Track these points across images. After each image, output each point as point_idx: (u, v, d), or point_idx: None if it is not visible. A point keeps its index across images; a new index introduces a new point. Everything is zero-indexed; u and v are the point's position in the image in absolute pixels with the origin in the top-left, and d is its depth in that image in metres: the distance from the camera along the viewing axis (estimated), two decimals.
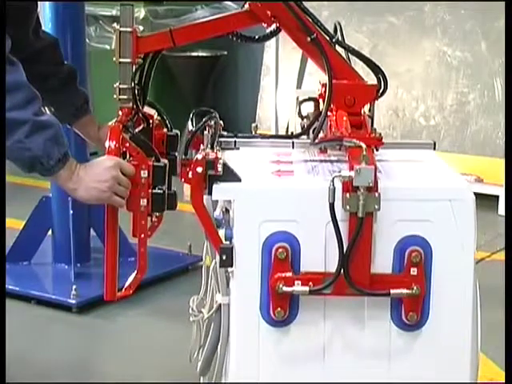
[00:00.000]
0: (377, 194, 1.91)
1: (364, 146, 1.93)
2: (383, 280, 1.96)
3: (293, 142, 2.22)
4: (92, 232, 4.00)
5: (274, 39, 2.35)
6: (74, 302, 3.60)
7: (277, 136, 2.41)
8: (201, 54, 6.08)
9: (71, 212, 3.83)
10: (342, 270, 1.93)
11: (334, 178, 1.90)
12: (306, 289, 1.95)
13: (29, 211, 3.96)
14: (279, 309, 1.98)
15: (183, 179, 2.02)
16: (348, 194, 1.91)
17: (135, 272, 2.15)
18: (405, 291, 1.95)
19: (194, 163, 1.98)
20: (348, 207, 1.91)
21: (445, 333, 2.01)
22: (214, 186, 1.99)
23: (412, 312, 1.98)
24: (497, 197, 5.01)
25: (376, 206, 1.92)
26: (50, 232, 3.97)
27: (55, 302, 3.63)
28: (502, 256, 4.30)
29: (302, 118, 2.29)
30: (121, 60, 2.09)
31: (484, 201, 4.85)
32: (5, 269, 2.23)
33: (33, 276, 3.93)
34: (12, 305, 3.20)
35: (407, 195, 1.98)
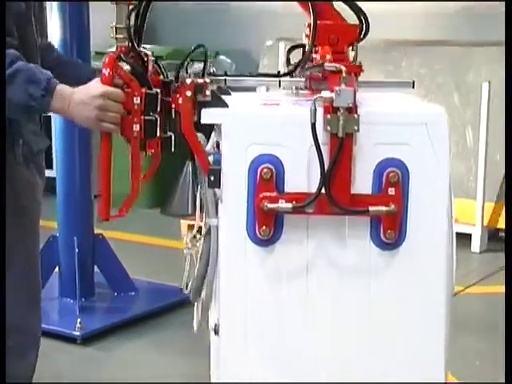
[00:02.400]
0: (356, 115, 1.90)
1: (344, 68, 1.92)
2: (363, 200, 1.95)
3: (279, 81, 2.18)
4: (96, 269, 3.97)
5: None
6: (78, 334, 3.60)
7: (265, 75, 2.34)
8: None
9: (77, 250, 3.82)
10: (323, 189, 1.92)
11: (315, 100, 1.89)
12: (290, 205, 1.93)
13: None
14: (264, 227, 1.96)
15: (174, 105, 2.02)
16: (329, 115, 1.90)
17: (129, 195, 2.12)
18: (383, 208, 1.93)
19: (183, 87, 1.97)
20: (329, 128, 1.90)
21: (421, 252, 1.99)
22: (203, 111, 1.97)
23: (390, 230, 1.96)
24: (469, 235, 5.01)
25: (355, 127, 1.90)
26: (56, 269, 3.93)
27: (61, 333, 3.61)
28: (475, 290, 4.29)
29: (289, 65, 2.27)
30: (118, 1, 2.10)
31: (458, 239, 4.83)
32: (4, 271, 2.20)
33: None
34: None
35: (385, 119, 1.96)
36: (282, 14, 5.57)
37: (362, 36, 2.17)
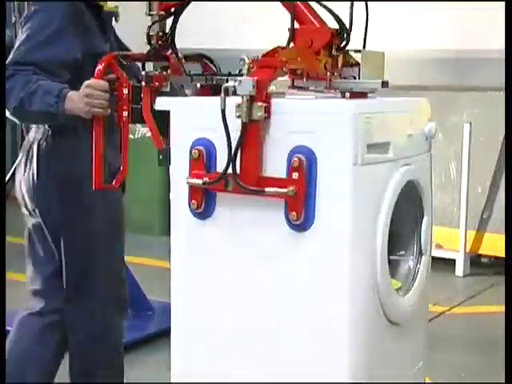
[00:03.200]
0: (260, 104, 1.93)
1: (247, 60, 2.00)
2: (269, 182, 1.97)
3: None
4: None
5: None
6: None
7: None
8: None
9: None
10: (232, 170, 1.98)
11: (223, 88, 1.97)
12: (200, 181, 2.04)
13: None
14: (194, 201, 2.07)
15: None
16: (238, 103, 1.97)
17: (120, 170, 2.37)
18: (278, 190, 1.94)
19: (142, 79, 2.22)
20: (237, 114, 1.96)
21: (325, 236, 1.95)
22: (157, 99, 2.16)
23: (293, 212, 1.95)
24: (454, 260, 5.07)
25: (259, 114, 1.93)
26: None
27: None
28: (459, 310, 4.34)
29: None
30: (150, 13, 2.34)
31: (444, 264, 4.91)
32: (4, 269, 2.26)
33: None
34: None
35: (296, 109, 1.99)
36: None
37: (343, 44, 2.16)
